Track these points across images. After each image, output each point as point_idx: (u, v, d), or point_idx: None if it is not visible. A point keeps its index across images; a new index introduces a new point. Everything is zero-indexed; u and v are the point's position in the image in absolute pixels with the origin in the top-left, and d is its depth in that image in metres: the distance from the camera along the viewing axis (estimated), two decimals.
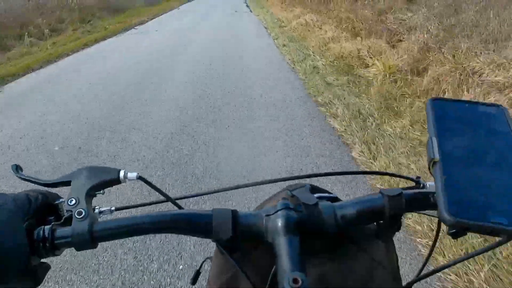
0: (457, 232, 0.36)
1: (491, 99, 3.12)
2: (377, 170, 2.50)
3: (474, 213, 0.32)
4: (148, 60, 6.34)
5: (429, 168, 0.37)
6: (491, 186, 0.34)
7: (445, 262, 1.65)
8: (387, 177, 2.32)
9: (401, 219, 0.43)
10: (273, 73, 5.16)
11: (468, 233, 0.35)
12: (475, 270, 1.64)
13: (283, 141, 3.06)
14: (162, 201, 0.51)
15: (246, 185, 0.52)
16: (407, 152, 2.73)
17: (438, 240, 0.50)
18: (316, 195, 0.45)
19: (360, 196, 0.44)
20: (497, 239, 0.37)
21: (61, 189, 0.46)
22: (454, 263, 0.47)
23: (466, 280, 1.63)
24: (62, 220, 0.42)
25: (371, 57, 4.97)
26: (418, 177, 0.47)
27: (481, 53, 3.82)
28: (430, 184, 0.46)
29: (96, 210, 0.45)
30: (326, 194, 0.47)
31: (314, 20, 8.22)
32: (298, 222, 0.40)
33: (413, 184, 0.48)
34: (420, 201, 0.43)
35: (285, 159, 2.77)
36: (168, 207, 0.47)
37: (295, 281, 0.33)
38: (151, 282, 1.73)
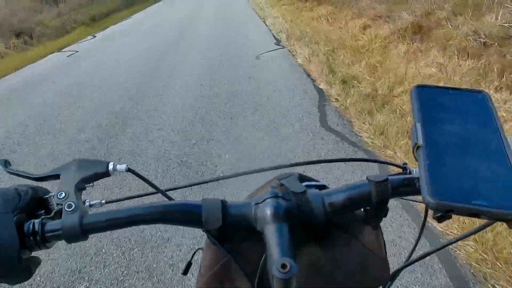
0: (442, 215, 0.36)
1: None
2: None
3: (457, 196, 0.33)
4: None
5: (413, 153, 0.38)
6: (474, 170, 0.35)
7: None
8: None
9: (387, 205, 0.43)
10: None
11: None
12: None
13: None
14: (152, 193, 0.51)
15: (234, 175, 0.53)
16: None
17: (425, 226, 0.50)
18: (304, 183, 0.45)
19: (348, 183, 0.45)
20: (482, 221, 0.38)
21: (50, 183, 0.45)
22: (442, 247, 0.48)
23: None
24: (52, 214, 0.42)
25: None
26: (405, 164, 0.48)
27: None
28: (416, 170, 0.47)
29: (87, 203, 0.45)
30: (314, 183, 0.48)
31: None
32: (286, 210, 0.41)
33: (400, 170, 0.49)
34: (406, 187, 0.44)
35: None
36: (158, 199, 0.47)
37: (283, 266, 0.33)
38: None
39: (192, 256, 0.52)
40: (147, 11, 14.58)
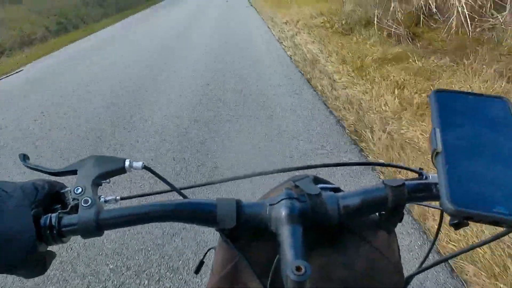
0: (459, 222, 0.36)
1: None
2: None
3: (476, 203, 0.32)
4: None
5: (432, 159, 0.38)
6: (493, 177, 0.34)
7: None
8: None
9: (403, 210, 0.43)
10: None
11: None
12: None
13: None
14: (167, 191, 0.51)
15: (249, 176, 0.53)
16: None
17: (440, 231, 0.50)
18: (319, 185, 0.45)
19: (363, 186, 0.44)
20: (500, 229, 0.37)
21: (66, 178, 0.46)
22: (457, 254, 0.47)
23: None
24: (68, 208, 0.42)
25: None
26: (421, 169, 0.48)
27: None
28: (432, 176, 0.46)
29: (102, 199, 0.45)
30: (329, 185, 0.47)
31: None
32: (301, 211, 0.41)
33: (416, 175, 0.48)
34: (422, 192, 0.43)
35: None
36: (173, 196, 0.47)
37: (298, 269, 0.33)
38: None
39: (204, 255, 0.52)
40: (84, 46, 7.81)
